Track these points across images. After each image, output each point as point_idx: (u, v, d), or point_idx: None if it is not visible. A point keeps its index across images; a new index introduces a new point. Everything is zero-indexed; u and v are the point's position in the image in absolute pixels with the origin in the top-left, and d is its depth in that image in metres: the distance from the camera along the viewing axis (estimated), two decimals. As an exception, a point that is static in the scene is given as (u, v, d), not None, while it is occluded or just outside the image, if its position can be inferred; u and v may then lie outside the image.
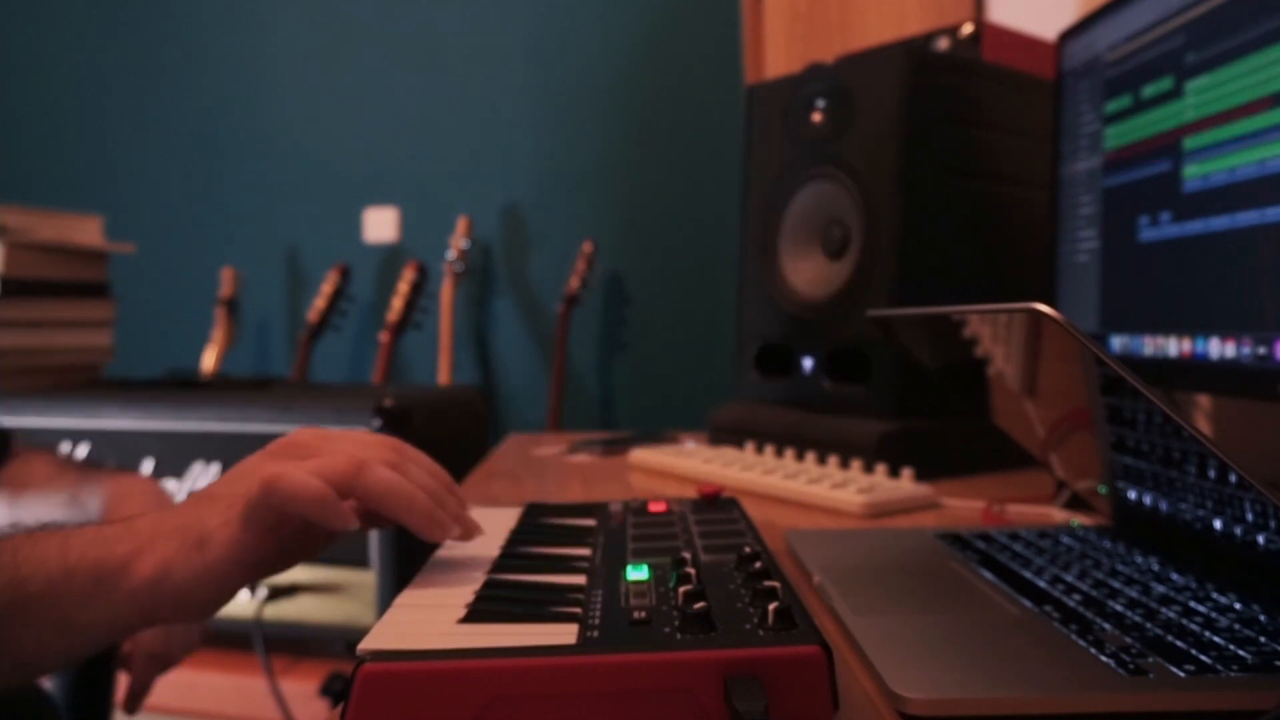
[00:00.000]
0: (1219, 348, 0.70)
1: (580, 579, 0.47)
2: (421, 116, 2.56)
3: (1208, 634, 0.45)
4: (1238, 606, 0.50)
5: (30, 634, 0.45)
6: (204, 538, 0.47)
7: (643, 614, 0.40)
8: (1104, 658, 0.43)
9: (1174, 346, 0.75)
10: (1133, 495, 0.64)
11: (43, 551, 0.47)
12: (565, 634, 0.39)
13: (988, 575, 0.57)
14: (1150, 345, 0.78)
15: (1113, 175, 0.85)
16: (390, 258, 2.59)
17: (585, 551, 0.53)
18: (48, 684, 1.00)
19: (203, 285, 2.58)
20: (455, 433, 1.64)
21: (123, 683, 1.03)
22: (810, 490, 0.85)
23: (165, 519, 0.49)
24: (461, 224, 2.36)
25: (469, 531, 0.51)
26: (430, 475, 0.51)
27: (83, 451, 1.50)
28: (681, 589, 0.42)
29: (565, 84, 2.47)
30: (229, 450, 1.49)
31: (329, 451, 0.50)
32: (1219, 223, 0.70)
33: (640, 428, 1.72)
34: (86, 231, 1.71)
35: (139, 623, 0.47)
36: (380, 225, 2.60)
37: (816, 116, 1.08)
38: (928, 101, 1.01)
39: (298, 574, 1.58)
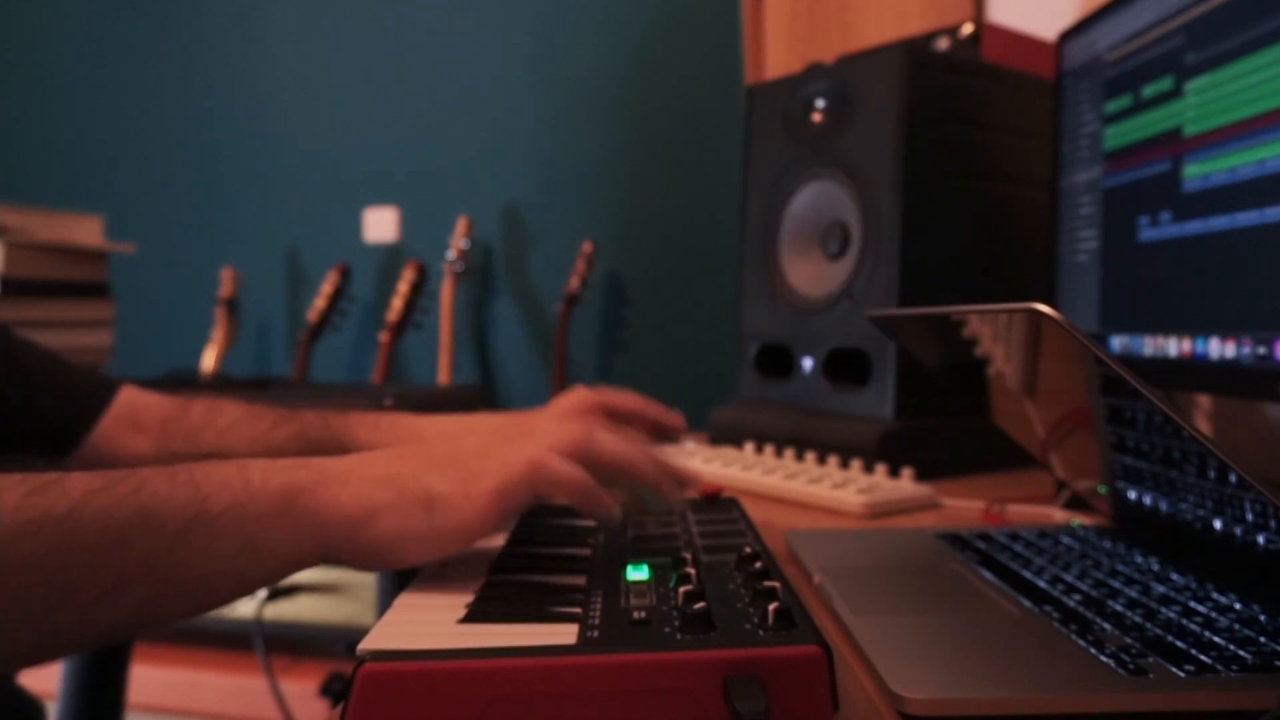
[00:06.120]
0: (1219, 348, 0.70)
1: (580, 579, 0.47)
2: (421, 116, 2.56)
3: (1208, 634, 0.45)
4: (1238, 606, 0.50)
5: (215, 553, 0.43)
6: (433, 500, 0.46)
7: (643, 614, 0.40)
8: (1104, 658, 0.43)
9: (1174, 346, 0.75)
10: (1133, 495, 0.64)
11: (221, 473, 0.45)
12: (565, 634, 0.39)
13: (988, 575, 0.57)
14: (1150, 345, 0.78)
15: (1113, 175, 0.85)
16: (390, 258, 2.59)
17: (585, 552, 0.53)
18: (55, 685, 1.00)
19: (203, 285, 2.57)
20: (455, 433, 1.64)
21: (132, 684, 1.03)
22: (810, 490, 0.85)
23: (359, 465, 0.48)
24: (461, 224, 2.36)
25: (690, 488, 0.57)
26: (627, 407, 0.56)
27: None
28: (681, 589, 0.42)
29: (565, 84, 2.46)
30: (229, 450, 1.49)
31: (546, 430, 0.51)
32: (1219, 223, 0.70)
33: (640, 428, 1.72)
34: (86, 231, 1.71)
35: (318, 557, 0.46)
36: (380, 225, 2.60)
37: (816, 116, 1.08)
38: (928, 101, 1.01)
39: (297, 574, 1.57)
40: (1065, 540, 0.66)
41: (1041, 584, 0.55)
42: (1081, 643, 0.45)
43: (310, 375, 2.40)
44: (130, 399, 0.82)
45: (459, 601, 0.43)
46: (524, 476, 0.47)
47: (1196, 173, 0.73)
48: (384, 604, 1.52)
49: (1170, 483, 0.58)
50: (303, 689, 1.54)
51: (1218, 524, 0.54)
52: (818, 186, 1.09)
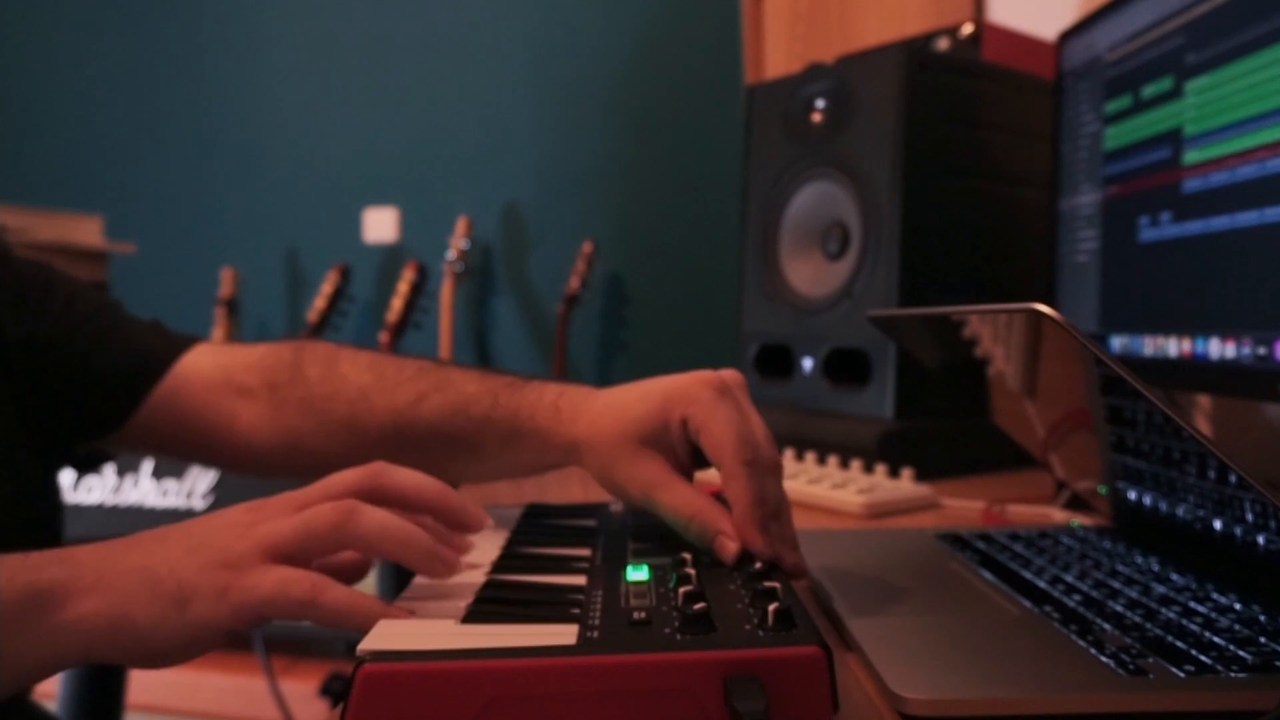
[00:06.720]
0: (1219, 348, 0.70)
1: (580, 579, 0.47)
2: (421, 116, 2.56)
3: (1208, 634, 0.45)
4: (1238, 606, 0.50)
5: None
6: (185, 596, 0.43)
7: (643, 614, 0.40)
8: (1104, 658, 0.42)
9: (1174, 346, 0.75)
10: (1133, 495, 0.64)
11: None
12: (565, 634, 0.39)
13: (988, 575, 0.57)
14: (1150, 345, 0.78)
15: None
16: (390, 258, 2.59)
17: (585, 552, 0.53)
18: (55, 685, 1.00)
19: (203, 285, 2.58)
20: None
21: (132, 684, 1.02)
22: (810, 490, 0.85)
23: (111, 557, 0.45)
24: (461, 224, 2.36)
25: (468, 545, 0.50)
26: (418, 495, 0.48)
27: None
28: (681, 589, 0.42)
29: (565, 84, 2.46)
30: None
31: (310, 501, 0.47)
32: (1219, 223, 0.70)
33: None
34: (86, 231, 1.71)
35: (79, 660, 0.43)
36: (380, 225, 2.60)
37: (816, 116, 1.08)
38: (928, 101, 1.01)
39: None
40: (1065, 540, 0.66)
41: (1041, 584, 0.55)
42: (1081, 643, 0.45)
43: (310, 375, 2.40)
44: (209, 362, 0.71)
45: (459, 601, 0.43)
46: (261, 607, 0.43)
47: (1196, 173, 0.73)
48: (384, 604, 1.52)
49: (1170, 483, 0.58)
50: (303, 689, 1.55)
51: (1218, 524, 0.54)
52: (818, 186, 1.09)
